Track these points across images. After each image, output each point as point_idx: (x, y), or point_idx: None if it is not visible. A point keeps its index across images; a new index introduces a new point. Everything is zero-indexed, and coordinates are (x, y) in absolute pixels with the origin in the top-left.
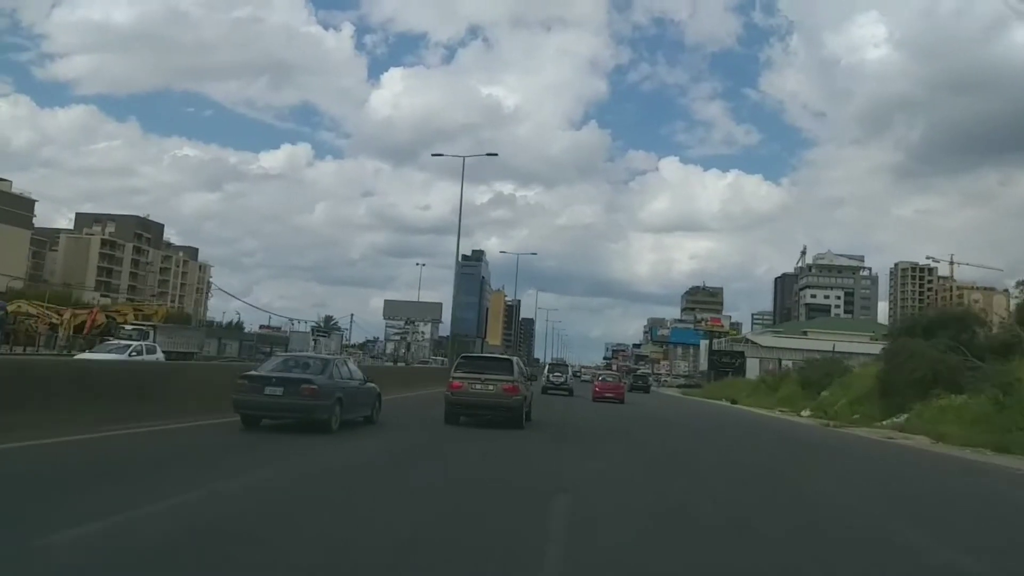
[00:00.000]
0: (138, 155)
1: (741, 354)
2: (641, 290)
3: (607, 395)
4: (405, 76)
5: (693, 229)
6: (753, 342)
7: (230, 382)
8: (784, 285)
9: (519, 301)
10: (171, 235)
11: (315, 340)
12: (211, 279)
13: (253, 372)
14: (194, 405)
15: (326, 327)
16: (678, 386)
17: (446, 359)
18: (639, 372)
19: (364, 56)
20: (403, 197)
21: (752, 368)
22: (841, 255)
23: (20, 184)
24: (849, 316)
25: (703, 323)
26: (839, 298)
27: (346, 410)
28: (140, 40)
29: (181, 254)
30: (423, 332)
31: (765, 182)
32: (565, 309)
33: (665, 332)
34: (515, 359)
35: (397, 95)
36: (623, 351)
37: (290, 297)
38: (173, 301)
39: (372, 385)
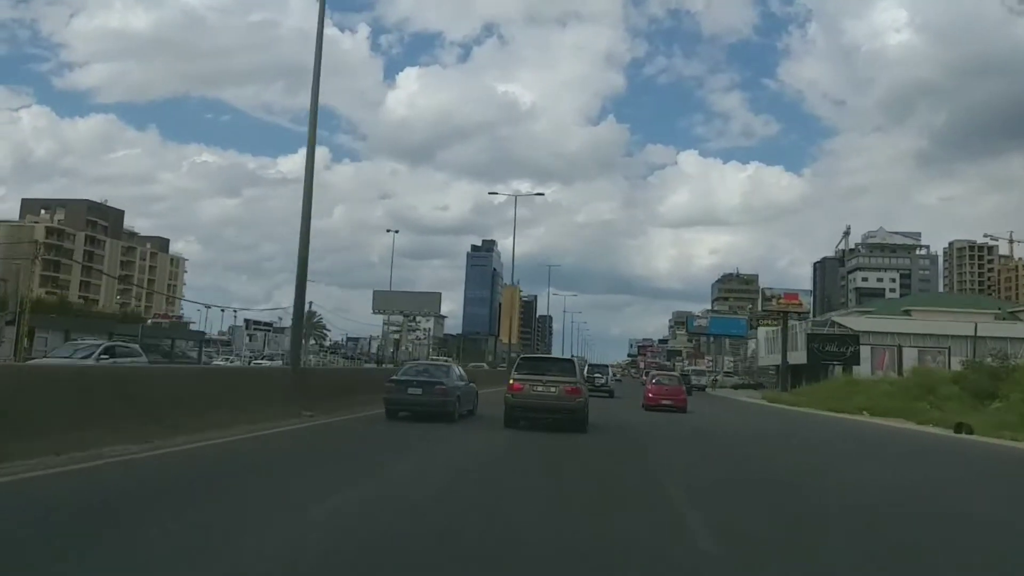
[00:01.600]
0: (157, 162)
1: (855, 339)
2: (661, 286)
3: (663, 402)
4: (421, 76)
5: (713, 223)
6: (842, 325)
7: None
8: (825, 270)
9: (535, 297)
10: (138, 223)
11: (250, 337)
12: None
13: (396, 377)
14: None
15: (307, 324)
16: (732, 386)
17: (451, 359)
18: (684, 371)
19: (380, 57)
20: (421, 198)
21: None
22: (896, 232)
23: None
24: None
25: (774, 300)
26: (894, 280)
27: (461, 405)
28: (158, 47)
29: (148, 246)
30: (425, 329)
31: (786, 173)
32: (584, 307)
33: (703, 322)
34: (576, 360)
35: (413, 95)
36: (650, 346)
37: (310, 302)
38: (138, 299)
39: (473, 385)
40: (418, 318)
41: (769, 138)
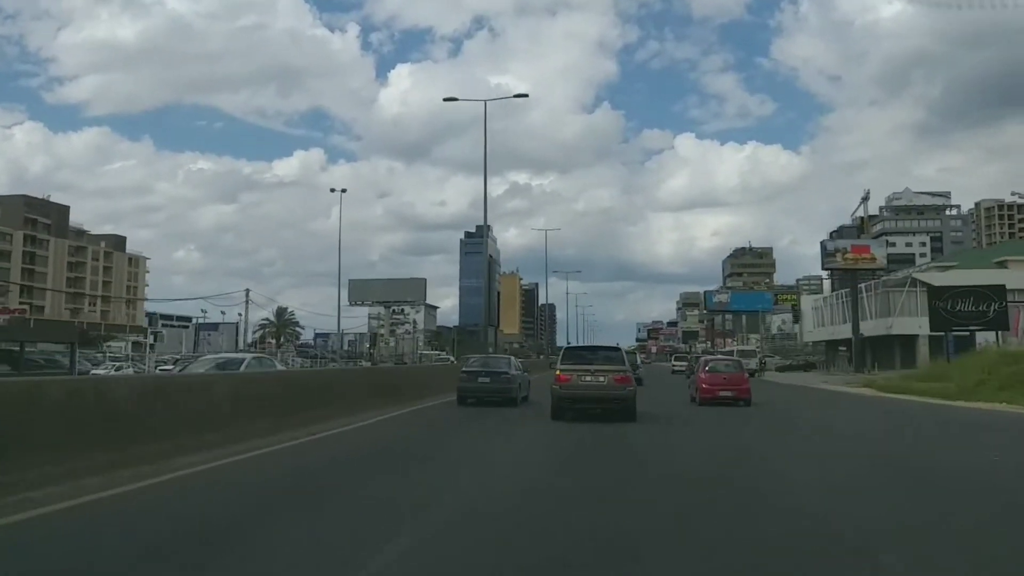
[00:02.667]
0: (153, 172)
1: (999, 292)
2: (664, 271)
3: (722, 393)
4: (413, 72)
5: (713, 205)
6: (926, 283)
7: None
8: (843, 238)
9: (536, 285)
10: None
11: (154, 336)
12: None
13: (468, 368)
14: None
15: (278, 322)
16: (776, 368)
17: (444, 353)
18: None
19: (371, 55)
20: (418, 195)
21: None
22: (922, 192)
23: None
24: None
25: (838, 255)
26: (924, 244)
27: (520, 391)
28: (146, 56)
29: (103, 244)
30: (413, 321)
31: (784, 151)
32: (587, 295)
33: (723, 298)
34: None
35: (405, 92)
36: (661, 329)
37: (312, 305)
38: (92, 304)
39: (527, 374)
40: (406, 310)
41: (765, 117)
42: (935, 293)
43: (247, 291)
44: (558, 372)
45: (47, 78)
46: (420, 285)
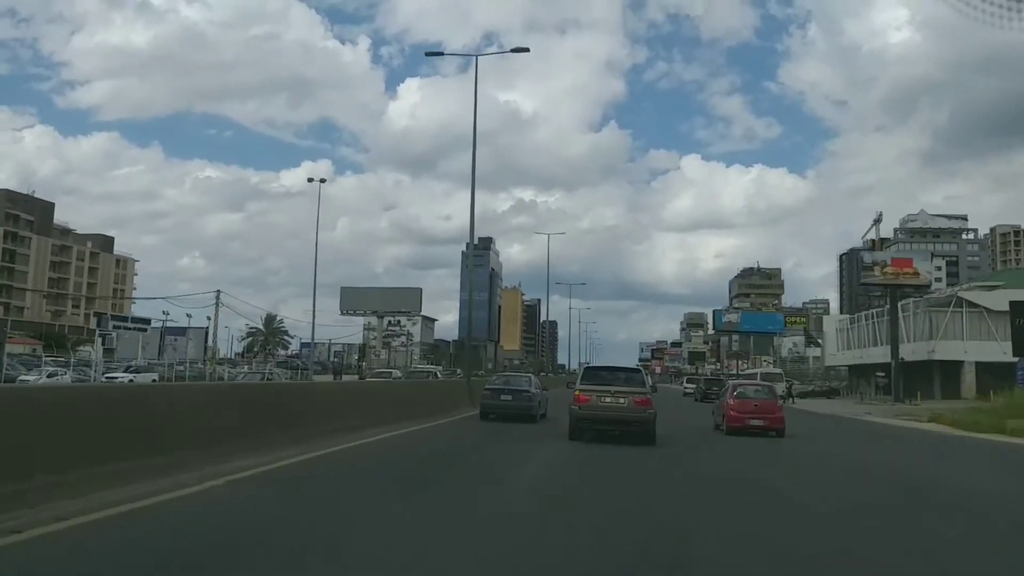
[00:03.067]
0: (161, 179)
1: None
2: (667, 291)
3: (752, 422)
4: (422, 86)
5: (718, 226)
6: (972, 303)
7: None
8: (852, 262)
9: (539, 301)
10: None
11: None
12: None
13: (490, 386)
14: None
15: (267, 330)
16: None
17: (439, 368)
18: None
19: (381, 68)
20: (424, 208)
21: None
22: (938, 215)
23: None
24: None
25: (877, 268)
26: (939, 268)
27: (539, 409)
28: (158, 63)
29: (89, 244)
30: (408, 333)
31: (790, 175)
32: (589, 313)
33: (732, 318)
34: (642, 369)
35: (414, 106)
36: (666, 349)
37: (317, 315)
38: (76, 304)
39: (546, 392)
40: (402, 321)
41: (771, 140)
42: (1020, 310)
43: (217, 293)
44: (577, 392)
45: (59, 82)
46: (416, 295)
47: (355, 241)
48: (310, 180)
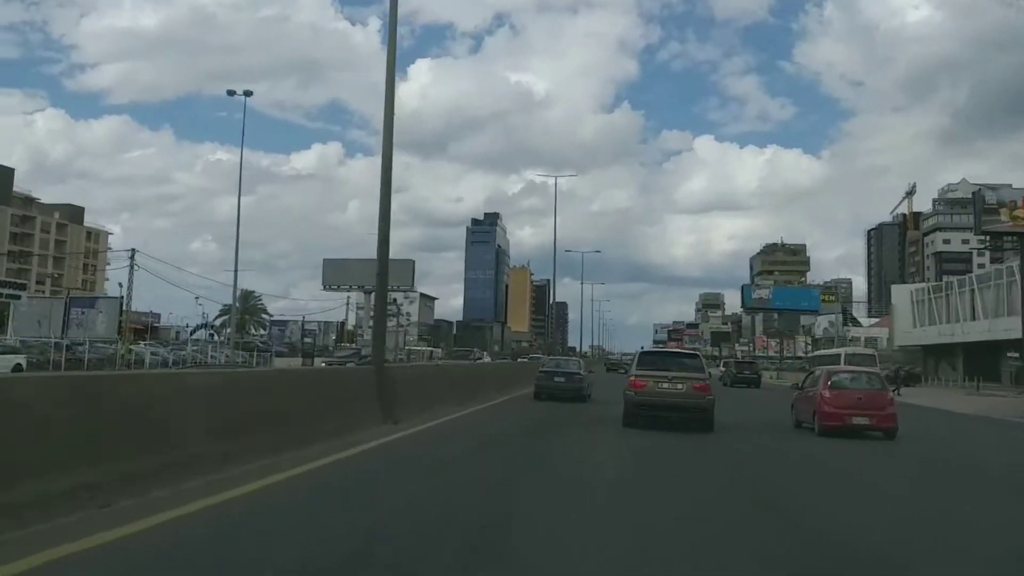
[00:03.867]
0: (172, 162)
1: None
2: (679, 273)
3: (856, 420)
4: (433, 67)
5: (731, 208)
6: None
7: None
8: (882, 238)
9: (548, 281)
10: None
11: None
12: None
13: (544, 369)
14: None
15: (242, 307)
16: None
17: (438, 351)
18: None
19: None
20: (434, 190)
21: None
22: (981, 185)
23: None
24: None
25: (1003, 212)
26: (983, 241)
27: (588, 389)
28: (168, 45)
29: (56, 215)
30: (407, 313)
31: (804, 156)
32: (600, 295)
33: (764, 294)
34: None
35: (425, 87)
36: (684, 330)
37: (323, 298)
38: (41, 281)
39: (592, 375)
40: (398, 299)
41: (786, 121)
42: None
43: (132, 252)
44: (632, 378)
45: (69, 65)
46: (407, 268)
47: (365, 224)
48: (231, 93)
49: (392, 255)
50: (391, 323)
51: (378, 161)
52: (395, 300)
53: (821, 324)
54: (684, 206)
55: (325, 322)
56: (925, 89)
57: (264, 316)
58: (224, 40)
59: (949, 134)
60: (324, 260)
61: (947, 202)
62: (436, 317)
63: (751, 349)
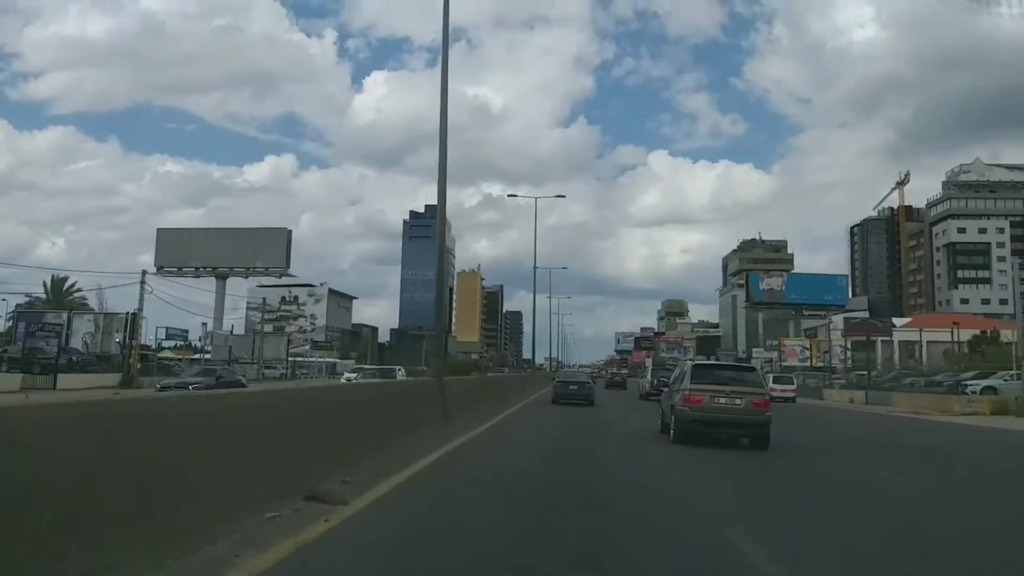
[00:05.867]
0: (119, 174)
1: None
2: (632, 286)
3: None
4: (389, 80)
5: (684, 221)
6: None
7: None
8: (867, 235)
9: (501, 287)
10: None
11: None
12: None
13: (561, 379)
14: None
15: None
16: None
17: (349, 363)
18: None
19: (347, 62)
20: (391, 203)
21: None
22: (997, 165)
23: None
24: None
25: None
26: (1001, 231)
27: (594, 396)
28: (117, 55)
29: None
30: (311, 316)
31: (755, 170)
32: (558, 309)
33: (773, 284)
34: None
35: (380, 100)
36: (662, 335)
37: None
38: None
39: (594, 383)
40: (299, 297)
41: (737, 137)
42: None
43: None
44: (687, 392)
45: (11, 74)
46: (278, 240)
47: (319, 237)
48: None
49: (347, 268)
50: (293, 327)
51: (333, 173)
52: (296, 298)
53: (835, 323)
54: (638, 219)
55: (107, 315)
56: (871, 106)
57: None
58: (175, 50)
59: (894, 150)
60: (158, 231)
61: (959, 185)
62: (354, 322)
63: (780, 357)
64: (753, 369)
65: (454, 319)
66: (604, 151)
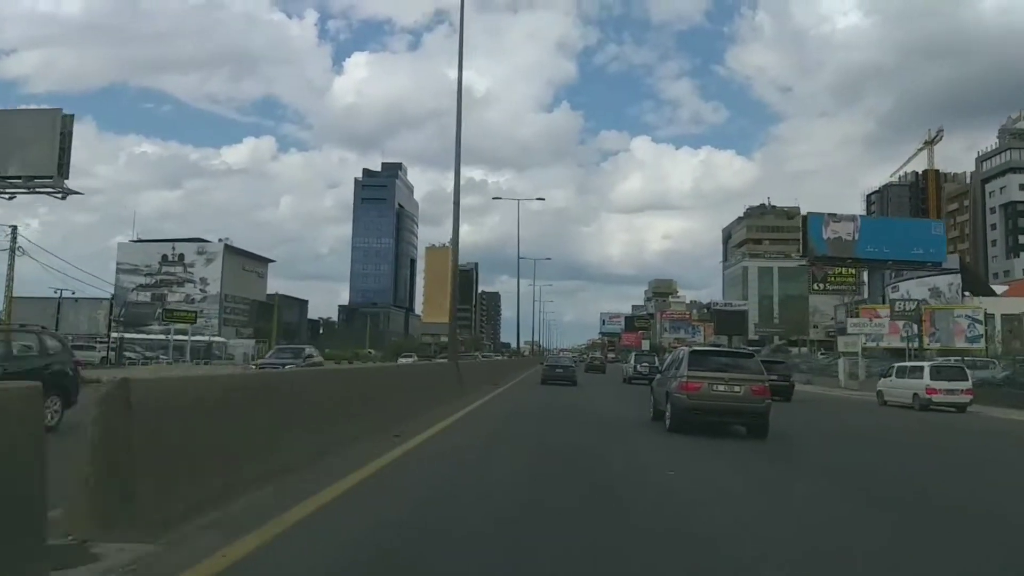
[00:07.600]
0: (92, 154)
1: None
2: (613, 271)
3: None
4: (370, 62)
5: (666, 208)
6: None
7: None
8: (889, 200)
9: (476, 265)
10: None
11: None
12: None
13: (548, 363)
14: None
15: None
16: None
17: (247, 344)
18: None
19: (328, 44)
20: None
21: None
22: None
23: None
24: None
25: None
26: None
27: (576, 377)
28: (92, 32)
29: None
30: (201, 279)
31: (737, 157)
32: (541, 290)
33: (843, 231)
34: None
35: (360, 82)
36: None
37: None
38: None
39: (576, 366)
40: (186, 256)
41: (718, 124)
42: None
43: None
44: (684, 379)
45: None
46: (46, 127)
47: (298, 220)
48: None
49: (327, 252)
50: (179, 294)
51: (313, 156)
52: (181, 256)
53: (914, 292)
54: (620, 206)
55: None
56: (852, 95)
57: None
58: (152, 28)
59: (875, 139)
60: None
61: (1015, 134)
62: (269, 292)
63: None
64: (752, 356)
65: (421, 297)
66: (587, 137)
